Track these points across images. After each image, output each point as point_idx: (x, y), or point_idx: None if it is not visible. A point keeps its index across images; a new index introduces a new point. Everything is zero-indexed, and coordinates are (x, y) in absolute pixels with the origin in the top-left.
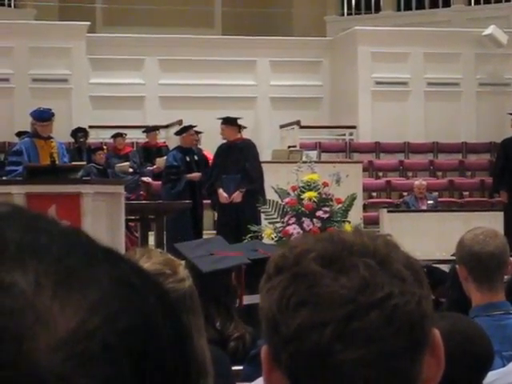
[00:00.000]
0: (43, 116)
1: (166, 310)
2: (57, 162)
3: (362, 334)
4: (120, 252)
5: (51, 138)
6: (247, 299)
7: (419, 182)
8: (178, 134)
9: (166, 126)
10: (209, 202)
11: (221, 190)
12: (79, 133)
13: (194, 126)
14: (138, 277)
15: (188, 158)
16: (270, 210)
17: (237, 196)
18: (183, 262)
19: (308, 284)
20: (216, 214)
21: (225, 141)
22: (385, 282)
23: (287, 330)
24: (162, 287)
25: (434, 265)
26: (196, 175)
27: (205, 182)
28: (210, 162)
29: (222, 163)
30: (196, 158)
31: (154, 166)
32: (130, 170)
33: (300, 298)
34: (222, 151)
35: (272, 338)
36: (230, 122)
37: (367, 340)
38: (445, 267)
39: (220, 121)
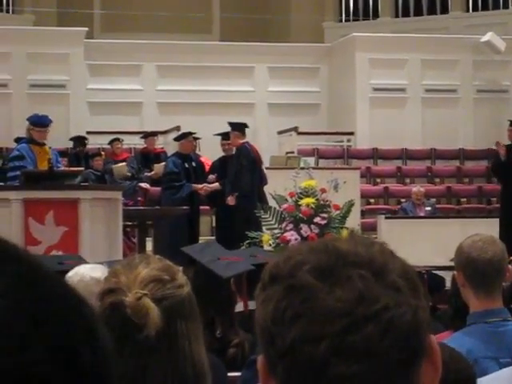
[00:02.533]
0: (42, 122)
1: (73, 302)
2: (54, 168)
3: (358, 347)
4: (29, 252)
5: (45, 144)
6: (251, 305)
7: (417, 188)
8: (176, 139)
9: (164, 132)
10: (206, 207)
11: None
12: (77, 142)
13: (194, 133)
14: (42, 274)
15: (186, 165)
16: (267, 216)
17: (230, 200)
18: (181, 268)
19: (303, 297)
20: (214, 220)
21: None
22: (380, 293)
23: (282, 343)
24: (65, 284)
25: (432, 271)
26: (199, 187)
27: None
28: (207, 168)
29: (222, 171)
30: (194, 164)
31: (152, 172)
32: (128, 173)
33: (295, 311)
34: (220, 161)
35: (267, 349)
36: (237, 129)
37: (363, 353)
38: (443, 273)
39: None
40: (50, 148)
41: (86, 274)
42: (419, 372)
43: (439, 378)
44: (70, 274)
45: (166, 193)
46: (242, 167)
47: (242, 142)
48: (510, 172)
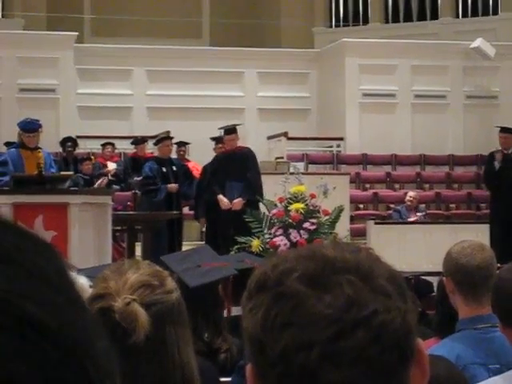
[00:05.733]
0: (29, 127)
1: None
2: (43, 173)
3: (350, 353)
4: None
5: (39, 148)
6: (235, 310)
7: (414, 193)
8: (155, 144)
9: (154, 137)
10: (190, 212)
11: (221, 196)
12: (68, 142)
13: (172, 138)
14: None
15: (164, 169)
16: (257, 221)
17: (237, 203)
18: (171, 273)
19: (292, 304)
20: (203, 225)
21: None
22: (369, 299)
23: (273, 351)
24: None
25: (421, 277)
26: (172, 186)
27: (202, 191)
28: (199, 172)
29: (223, 171)
30: (174, 168)
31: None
32: (113, 168)
33: (285, 319)
34: (219, 161)
35: (257, 358)
36: (235, 131)
37: (355, 359)
38: (432, 279)
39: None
40: (40, 152)
41: None
42: (409, 374)
43: (427, 380)
44: None
45: (144, 197)
46: (255, 171)
47: (238, 144)
48: (502, 180)
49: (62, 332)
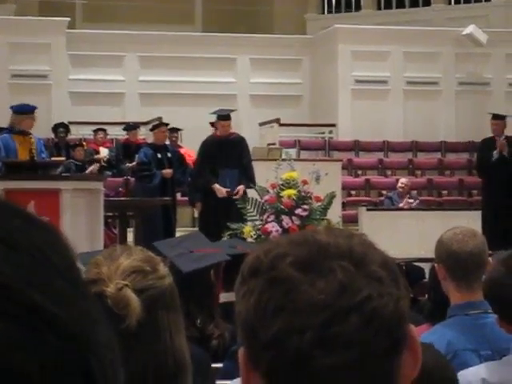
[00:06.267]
0: (26, 108)
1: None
2: (35, 158)
3: (342, 338)
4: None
5: (30, 133)
6: (225, 296)
7: (406, 179)
8: (151, 130)
9: (146, 123)
10: (183, 198)
11: (217, 186)
12: (60, 128)
13: (167, 124)
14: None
15: (159, 155)
16: (249, 207)
17: (241, 191)
18: (163, 259)
19: (285, 289)
20: (196, 211)
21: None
22: (362, 284)
23: (265, 335)
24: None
25: (413, 263)
26: (167, 171)
27: (195, 177)
28: (191, 158)
29: (216, 157)
30: (169, 155)
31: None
32: (105, 155)
33: (277, 304)
34: (211, 146)
35: (250, 342)
36: (230, 117)
37: (347, 344)
38: (423, 265)
39: (208, 117)
40: (32, 138)
41: None
42: (401, 360)
43: (419, 366)
44: None
45: (139, 183)
46: (249, 159)
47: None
48: (496, 169)
49: (65, 321)
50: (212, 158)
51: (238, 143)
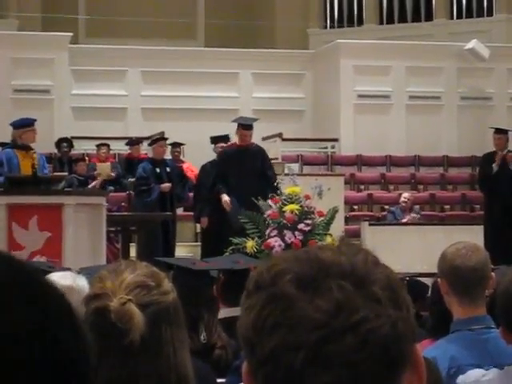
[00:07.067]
0: (26, 122)
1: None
2: (38, 173)
3: (336, 358)
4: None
5: (32, 149)
6: (224, 312)
7: (409, 194)
8: (149, 145)
9: (148, 138)
10: (184, 213)
11: (226, 198)
12: (64, 143)
13: (166, 139)
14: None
15: (158, 170)
16: (251, 222)
17: None
18: (168, 275)
19: (283, 306)
20: (198, 226)
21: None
22: (359, 305)
23: (262, 351)
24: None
25: (415, 278)
26: (166, 185)
27: (209, 188)
28: (194, 173)
29: (234, 167)
30: (168, 169)
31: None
32: (112, 173)
33: (275, 320)
34: (232, 155)
35: (249, 356)
36: (251, 127)
37: (341, 364)
38: (426, 280)
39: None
40: (34, 153)
41: (56, 283)
42: (401, 381)
43: None
44: None
45: (138, 198)
46: (273, 170)
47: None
48: (497, 182)
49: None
50: (230, 168)
51: (258, 153)
